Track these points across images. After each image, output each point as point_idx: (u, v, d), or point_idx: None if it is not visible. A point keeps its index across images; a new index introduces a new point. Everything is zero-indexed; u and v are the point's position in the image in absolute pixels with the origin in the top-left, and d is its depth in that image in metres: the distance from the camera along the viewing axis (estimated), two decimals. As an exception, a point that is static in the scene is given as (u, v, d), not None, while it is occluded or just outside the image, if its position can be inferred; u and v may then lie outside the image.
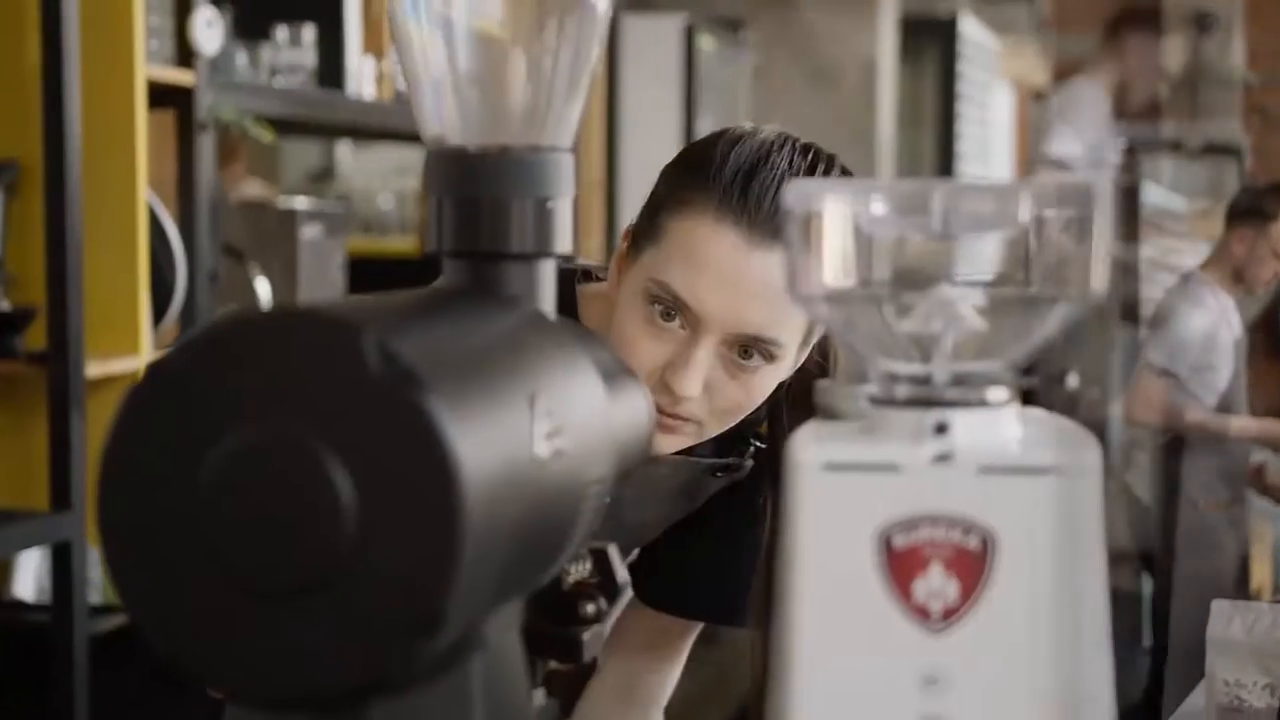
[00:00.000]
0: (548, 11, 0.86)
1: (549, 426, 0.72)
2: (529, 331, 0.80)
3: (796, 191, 0.74)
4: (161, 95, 2.70)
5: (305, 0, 3.14)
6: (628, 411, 0.86)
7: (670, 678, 1.57)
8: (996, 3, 9.35)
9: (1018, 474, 0.70)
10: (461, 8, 0.84)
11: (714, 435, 1.31)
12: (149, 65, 2.63)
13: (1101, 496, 0.71)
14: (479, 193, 0.84)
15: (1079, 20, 10.34)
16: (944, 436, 0.71)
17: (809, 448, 0.72)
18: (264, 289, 3.01)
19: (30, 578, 2.78)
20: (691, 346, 1.24)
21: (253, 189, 4.03)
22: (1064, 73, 10.06)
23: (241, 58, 3.01)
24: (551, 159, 0.85)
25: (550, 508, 0.73)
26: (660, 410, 1.25)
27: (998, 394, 0.73)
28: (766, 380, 1.28)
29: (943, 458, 0.70)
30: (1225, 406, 4.06)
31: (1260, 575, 5.39)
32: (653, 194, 1.31)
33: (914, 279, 0.75)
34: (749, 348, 1.25)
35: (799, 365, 1.33)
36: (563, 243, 0.86)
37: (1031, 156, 9.03)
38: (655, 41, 4.60)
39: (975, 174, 8.05)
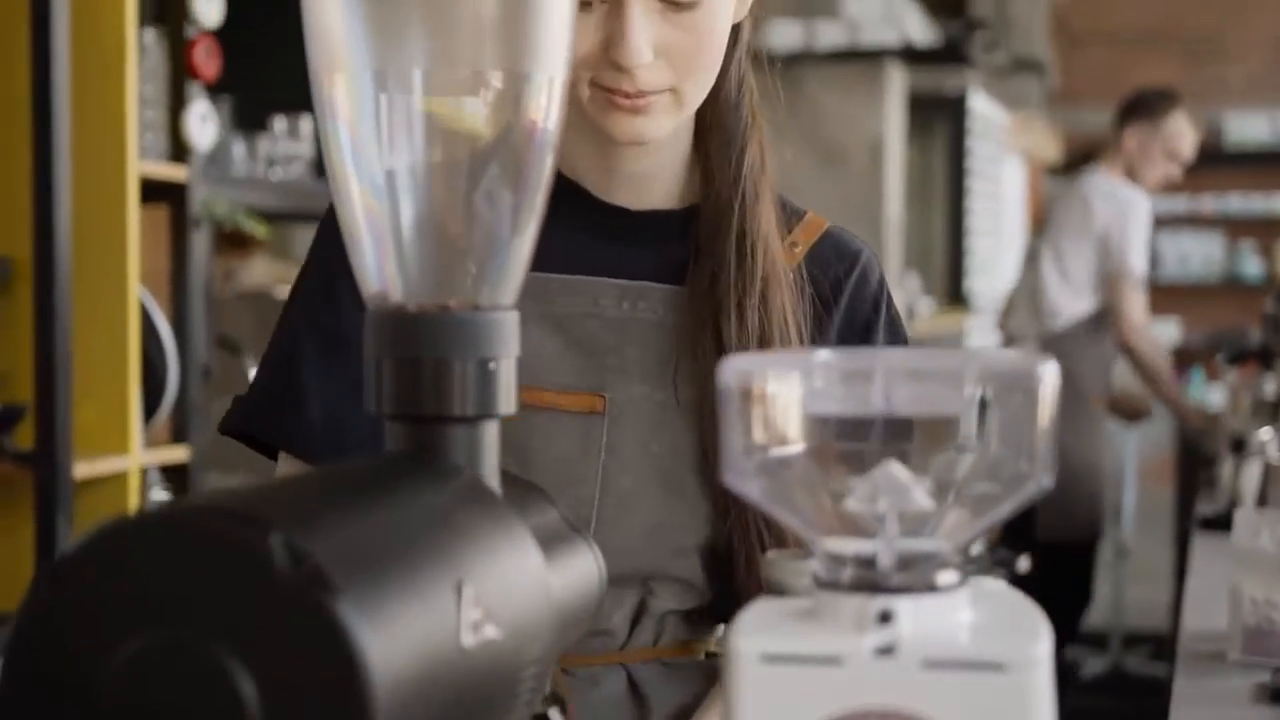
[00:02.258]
0: (490, 169, 0.83)
1: (478, 614, 0.70)
2: (464, 506, 0.77)
3: (732, 367, 0.71)
4: (156, 190, 2.70)
5: (303, 91, 3.13)
6: (572, 577, 0.84)
7: None
8: (1006, 77, 9.38)
9: (964, 669, 0.67)
10: (404, 163, 0.82)
11: (695, 102, 1.23)
12: (143, 161, 2.62)
13: (1053, 688, 0.68)
14: (419, 353, 0.82)
15: (1089, 93, 10.37)
16: (888, 626, 0.68)
17: (749, 637, 0.69)
18: (259, 382, 2.98)
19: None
20: (619, 11, 1.15)
21: (262, 269, 4.02)
22: (1074, 146, 10.10)
23: (239, 148, 3.01)
24: (494, 318, 0.83)
25: (480, 698, 0.70)
26: (624, 94, 1.18)
27: (946, 577, 0.70)
28: (716, 17, 1.20)
29: (886, 650, 0.67)
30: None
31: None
32: None
33: (859, 456, 0.72)
34: None
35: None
36: (506, 404, 0.83)
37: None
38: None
39: (987, 248, 8.04)
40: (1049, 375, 0.68)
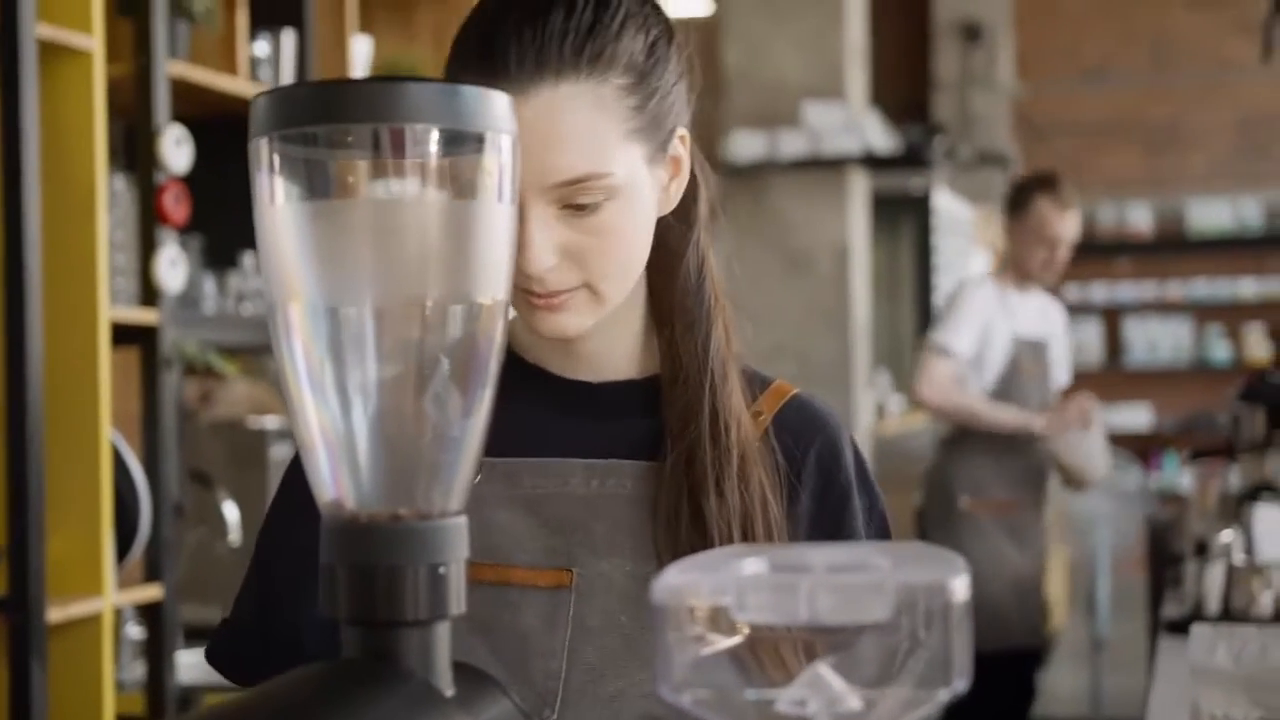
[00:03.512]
0: (437, 383, 0.88)
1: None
2: (416, 712, 0.81)
3: (664, 585, 0.75)
4: (127, 333, 2.74)
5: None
6: (524, 771, 0.87)
7: None
8: (970, 171, 9.52)
9: None
10: (355, 383, 0.87)
11: (617, 295, 1.23)
12: (114, 305, 2.67)
13: None
14: (372, 561, 0.86)
15: (1053, 185, 10.52)
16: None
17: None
18: (232, 514, 3.01)
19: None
20: (521, 218, 1.14)
21: (242, 391, 4.05)
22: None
23: (209, 285, 3.05)
24: (443, 525, 0.87)
25: None
26: (536, 295, 1.19)
27: (876, 777, 0.74)
28: (622, 217, 1.20)
29: None
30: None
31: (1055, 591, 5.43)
32: None
33: (788, 661, 0.76)
34: (578, 193, 1.17)
35: (678, 180, 1.26)
36: (456, 605, 0.87)
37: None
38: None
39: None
40: (959, 589, 0.73)
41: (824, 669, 0.76)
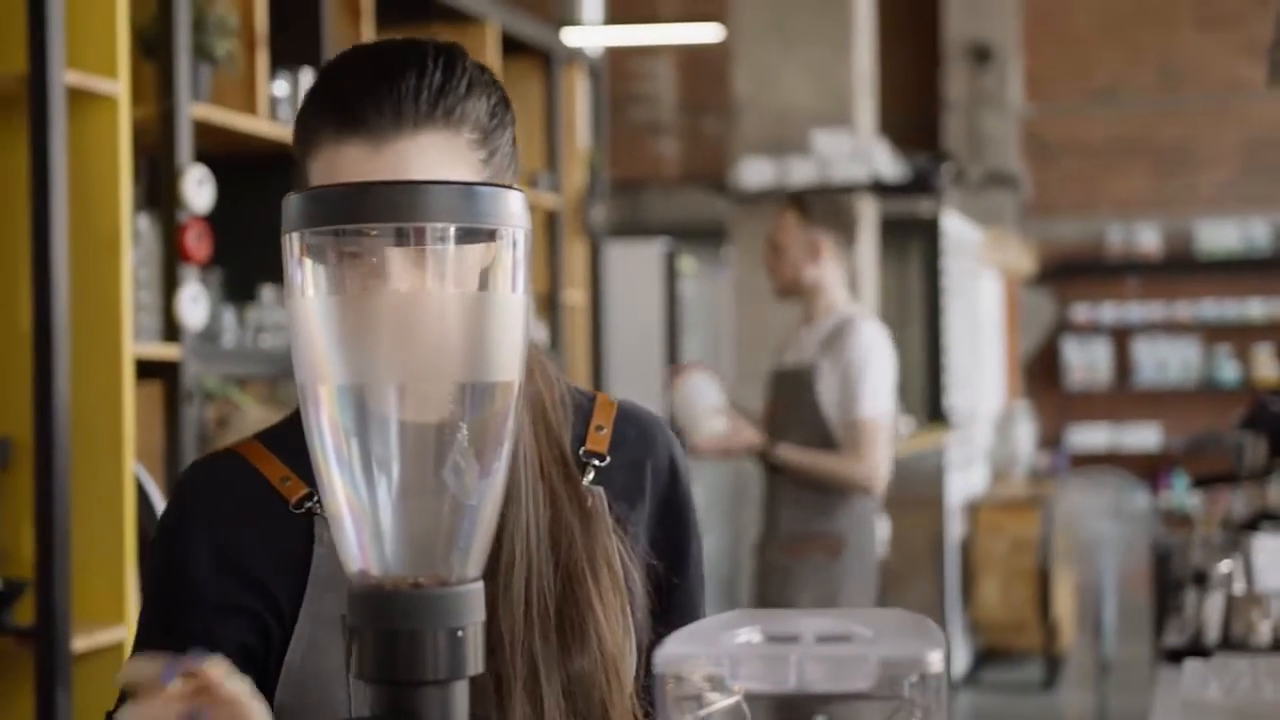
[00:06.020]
0: (455, 459, 0.95)
1: None
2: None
3: (665, 655, 0.82)
4: (150, 367, 2.81)
5: (290, 262, 3.26)
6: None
7: None
8: (980, 192, 9.59)
9: None
10: (380, 461, 0.94)
11: None
12: (137, 342, 2.74)
13: None
14: (395, 626, 0.93)
15: (1062, 205, 10.59)
16: None
17: None
18: (251, 543, 3.08)
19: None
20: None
21: (257, 415, 4.11)
22: (1049, 257, 10.30)
23: (229, 318, 3.13)
24: (461, 591, 0.94)
25: None
26: None
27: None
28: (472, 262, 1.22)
29: None
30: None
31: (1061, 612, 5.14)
32: (298, 163, 1.28)
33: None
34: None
35: None
36: (474, 665, 0.94)
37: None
38: (638, 264, 4.75)
39: (965, 364, 8.18)
40: (936, 661, 0.80)
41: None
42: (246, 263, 3.14)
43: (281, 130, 3.23)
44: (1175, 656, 3.18)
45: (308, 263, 0.93)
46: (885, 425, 3.96)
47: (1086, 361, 10.49)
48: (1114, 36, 10.39)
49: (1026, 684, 6.96)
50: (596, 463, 1.34)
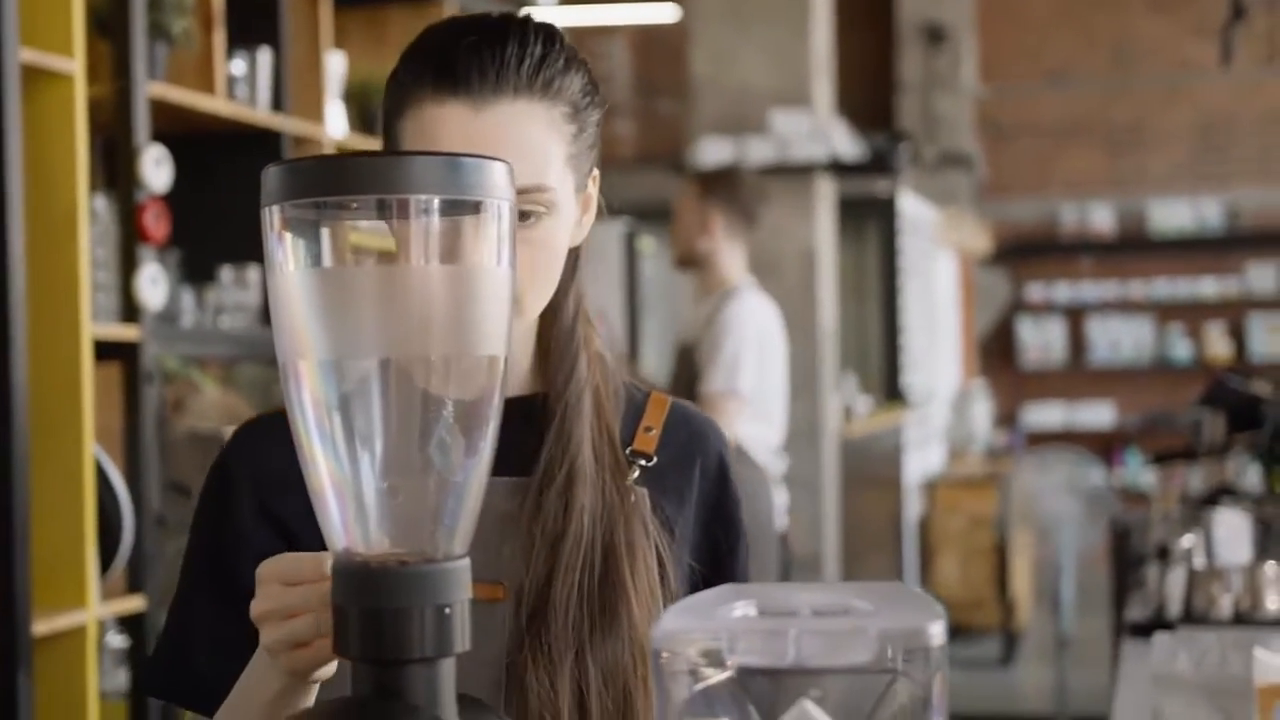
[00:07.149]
0: (440, 433, 0.93)
1: None
2: (424, 748, 0.86)
3: (662, 630, 0.81)
4: (108, 348, 2.78)
5: (249, 243, 3.23)
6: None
7: None
8: (935, 173, 9.61)
9: None
10: (363, 436, 0.92)
11: (534, 310, 1.28)
12: (95, 322, 2.71)
13: None
14: (381, 604, 0.91)
15: (1017, 185, 10.63)
16: None
17: None
18: (212, 525, 3.05)
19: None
20: None
21: (213, 397, 4.08)
22: (1004, 236, 10.35)
23: (188, 300, 3.09)
24: (447, 568, 0.92)
25: None
26: None
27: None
28: (553, 233, 1.26)
29: None
30: None
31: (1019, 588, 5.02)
32: (384, 123, 1.30)
33: (776, 699, 0.82)
34: (523, 202, 1.21)
35: (588, 216, 1.33)
36: (461, 643, 0.93)
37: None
38: (597, 245, 4.69)
39: (922, 344, 8.21)
40: (937, 633, 0.79)
41: (809, 704, 0.82)
42: (205, 243, 3.11)
43: (239, 109, 3.19)
44: (1139, 631, 3.20)
45: (288, 236, 0.92)
46: (736, 401, 3.85)
47: (1041, 341, 10.54)
48: (1067, 18, 10.43)
49: (985, 660, 7.00)
50: (643, 463, 1.34)
